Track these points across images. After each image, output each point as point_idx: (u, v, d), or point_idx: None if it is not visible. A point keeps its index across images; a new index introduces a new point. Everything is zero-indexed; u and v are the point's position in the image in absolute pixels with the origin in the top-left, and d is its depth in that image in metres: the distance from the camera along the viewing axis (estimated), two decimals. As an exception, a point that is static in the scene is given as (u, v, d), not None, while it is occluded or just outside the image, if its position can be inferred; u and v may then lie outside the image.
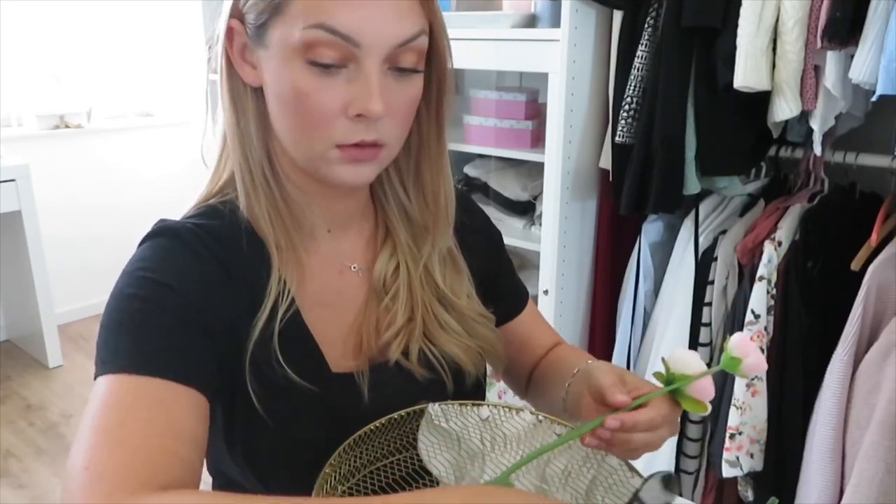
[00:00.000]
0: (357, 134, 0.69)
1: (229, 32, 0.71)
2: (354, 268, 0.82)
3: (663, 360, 0.68)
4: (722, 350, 1.33)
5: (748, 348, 0.66)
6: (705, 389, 0.66)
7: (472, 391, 0.82)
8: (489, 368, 0.90)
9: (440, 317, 0.81)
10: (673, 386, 0.66)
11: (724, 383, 1.67)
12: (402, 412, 0.68)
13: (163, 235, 0.71)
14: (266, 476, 0.73)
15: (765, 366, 0.67)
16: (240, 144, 0.73)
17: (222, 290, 0.70)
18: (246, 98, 0.73)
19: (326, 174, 0.72)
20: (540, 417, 0.73)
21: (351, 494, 0.66)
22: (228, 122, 0.73)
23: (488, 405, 0.73)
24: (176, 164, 3.94)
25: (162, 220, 0.73)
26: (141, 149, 3.91)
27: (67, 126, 3.61)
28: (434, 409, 0.69)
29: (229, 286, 0.71)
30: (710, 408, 0.67)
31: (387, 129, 0.71)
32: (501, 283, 0.94)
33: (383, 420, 0.68)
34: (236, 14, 0.70)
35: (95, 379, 0.62)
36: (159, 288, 0.66)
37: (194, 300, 0.67)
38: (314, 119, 0.68)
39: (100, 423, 0.57)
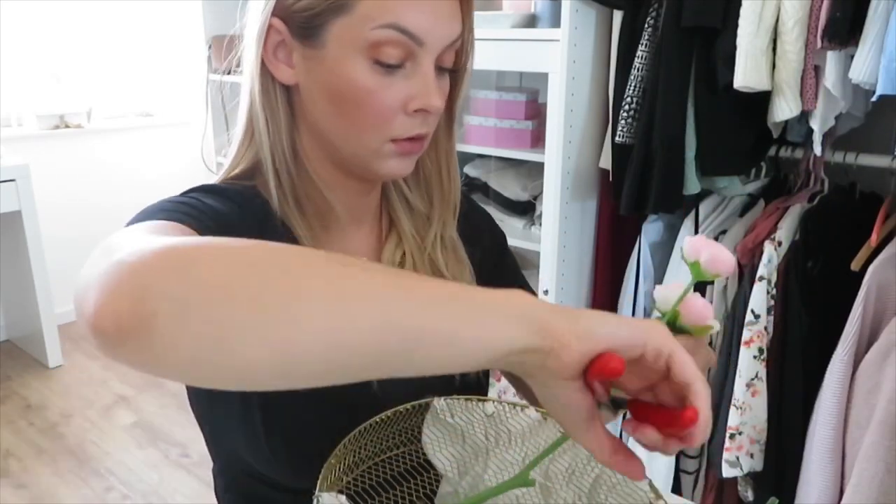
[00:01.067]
0: (413, 128, 0.72)
1: (268, 31, 0.71)
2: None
3: (652, 298, 0.64)
4: (721, 351, 1.32)
5: (699, 246, 0.60)
6: (699, 311, 0.60)
7: (475, 385, 0.82)
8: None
9: None
10: (661, 319, 0.62)
11: (724, 384, 1.68)
12: (408, 405, 0.68)
13: (207, 190, 0.72)
14: (278, 462, 0.73)
15: (728, 258, 0.58)
16: (270, 144, 0.74)
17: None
18: (276, 97, 0.74)
19: (376, 168, 0.74)
20: (545, 415, 0.73)
21: (356, 485, 0.67)
22: (260, 121, 0.74)
23: (493, 401, 0.73)
24: (176, 164, 3.94)
25: (205, 185, 0.74)
26: (141, 149, 3.91)
27: (67, 126, 3.61)
28: (440, 403, 0.69)
29: None
30: (717, 324, 0.62)
31: (434, 122, 0.74)
32: (506, 284, 0.94)
33: (389, 412, 0.68)
34: (280, 12, 0.71)
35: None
36: (201, 203, 0.67)
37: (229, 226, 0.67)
38: (374, 116, 0.70)
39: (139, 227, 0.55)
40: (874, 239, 1.53)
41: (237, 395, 0.72)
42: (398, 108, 0.70)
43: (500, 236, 0.98)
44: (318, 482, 0.58)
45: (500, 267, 0.95)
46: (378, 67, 0.68)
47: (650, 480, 0.67)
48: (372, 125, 0.71)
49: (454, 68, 0.75)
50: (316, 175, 0.76)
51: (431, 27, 0.68)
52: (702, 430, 0.47)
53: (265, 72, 0.73)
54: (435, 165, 0.83)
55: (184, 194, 0.71)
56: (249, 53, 0.73)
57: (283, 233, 0.75)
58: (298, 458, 0.72)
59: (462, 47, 0.75)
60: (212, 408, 0.78)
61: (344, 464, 0.64)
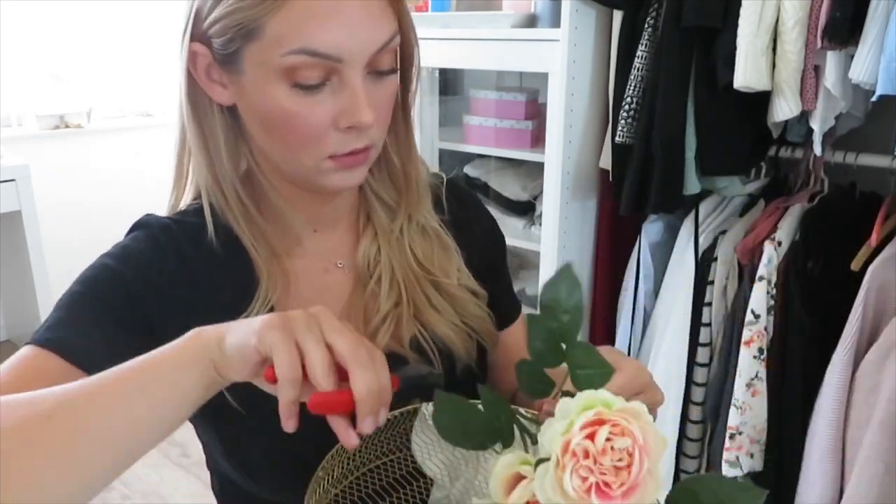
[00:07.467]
0: (349, 144, 0.69)
1: (192, 56, 0.69)
2: (340, 264, 0.81)
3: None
4: (721, 351, 1.30)
5: None
6: None
7: (463, 379, 0.80)
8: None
9: (431, 297, 0.80)
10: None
11: (724, 384, 1.67)
12: (396, 412, 0.67)
13: (136, 228, 0.75)
14: (260, 477, 0.73)
15: None
16: (208, 166, 0.73)
17: (177, 285, 0.72)
18: (213, 118, 0.72)
19: (322, 184, 0.72)
20: (533, 416, 0.73)
21: (344, 498, 0.66)
22: (196, 144, 0.72)
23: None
24: (176, 163, 3.94)
25: (146, 215, 0.76)
26: (141, 149, 3.90)
27: (67, 126, 3.61)
28: (428, 408, 0.68)
29: (190, 284, 0.72)
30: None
31: (374, 132, 0.71)
32: (498, 289, 0.92)
33: None
34: (199, 38, 0.68)
35: None
36: (108, 273, 0.70)
37: (138, 289, 0.70)
38: (304, 137, 0.68)
39: None
40: (874, 239, 1.52)
41: (212, 407, 0.71)
42: (328, 125, 0.68)
43: (500, 236, 0.95)
44: (307, 497, 0.57)
45: (495, 263, 0.93)
46: (299, 90, 0.66)
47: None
48: (304, 145, 0.69)
49: (397, 69, 0.72)
50: (271, 187, 0.75)
51: (346, 42, 0.64)
52: (365, 406, 0.54)
53: (196, 94, 0.71)
54: (397, 157, 0.80)
55: (110, 249, 0.73)
56: (182, 78, 0.71)
57: (239, 256, 0.74)
58: (282, 473, 0.71)
59: (403, 46, 0.72)
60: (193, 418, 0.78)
61: (332, 476, 0.63)
